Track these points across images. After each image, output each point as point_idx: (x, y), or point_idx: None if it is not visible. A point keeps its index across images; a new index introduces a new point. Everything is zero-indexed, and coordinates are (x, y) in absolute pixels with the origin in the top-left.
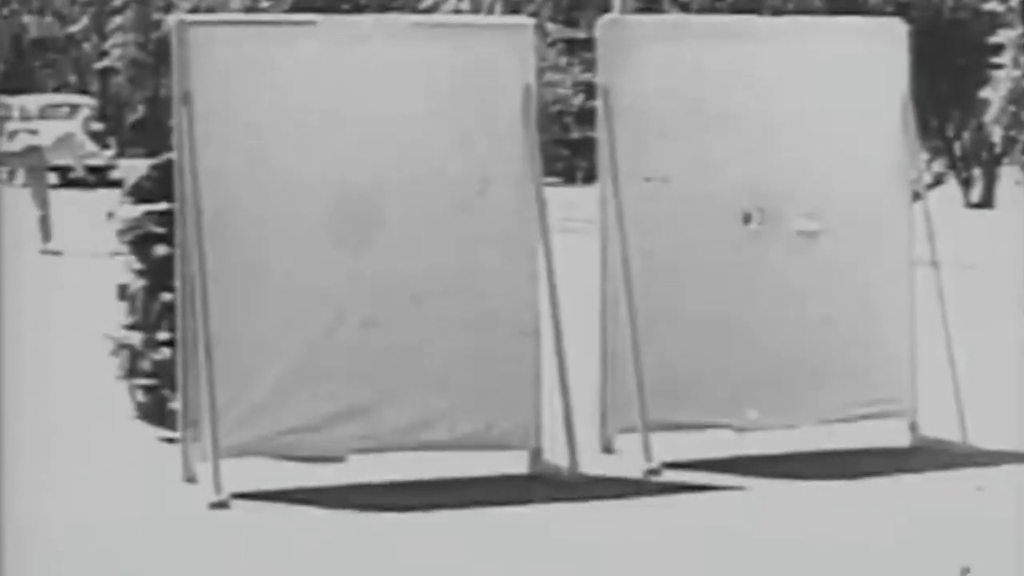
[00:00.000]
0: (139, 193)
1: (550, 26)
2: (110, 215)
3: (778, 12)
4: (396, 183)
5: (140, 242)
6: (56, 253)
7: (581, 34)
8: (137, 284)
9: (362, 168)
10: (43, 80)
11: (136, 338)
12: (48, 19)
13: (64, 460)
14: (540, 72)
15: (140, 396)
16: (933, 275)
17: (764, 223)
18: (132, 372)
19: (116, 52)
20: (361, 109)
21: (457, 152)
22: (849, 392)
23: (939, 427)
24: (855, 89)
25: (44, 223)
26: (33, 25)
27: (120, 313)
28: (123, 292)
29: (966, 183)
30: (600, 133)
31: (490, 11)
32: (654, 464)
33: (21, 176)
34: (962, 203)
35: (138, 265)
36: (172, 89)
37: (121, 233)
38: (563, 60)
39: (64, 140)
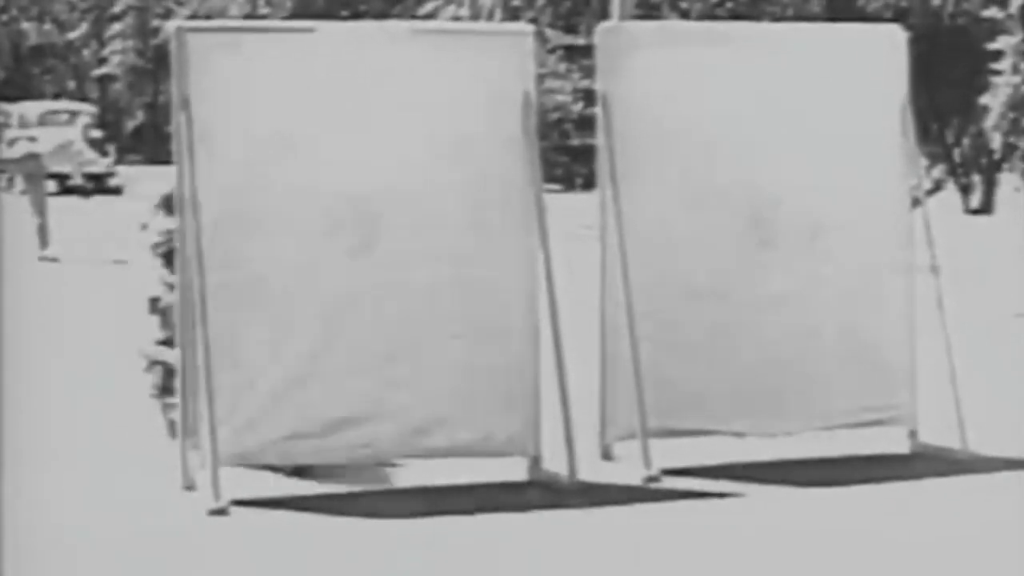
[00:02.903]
0: (171, 205)
1: (549, 33)
2: (144, 227)
3: (777, 19)
4: (395, 190)
5: (172, 255)
6: (53, 260)
7: (580, 41)
8: (169, 298)
9: (361, 175)
10: (42, 87)
11: (170, 355)
12: (47, 26)
13: (63, 467)
14: (539, 79)
15: (172, 414)
16: (932, 281)
17: (763, 230)
18: (165, 390)
19: (115, 59)
20: (360, 116)
21: (456, 159)
22: (848, 399)
23: (938, 434)
24: (854, 95)
25: (42, 230)
26: (32, 32)
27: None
28: (154, 306)
29: (965, 189)
30: (599, 140)
31: (490, 18)
32: (653, 471)
33: (19, 183)
34: (961, 209)
35: (170, 278)
36: (171, 95)
37: (155, 246)
38: (562, 67)
39: (63, 147)
